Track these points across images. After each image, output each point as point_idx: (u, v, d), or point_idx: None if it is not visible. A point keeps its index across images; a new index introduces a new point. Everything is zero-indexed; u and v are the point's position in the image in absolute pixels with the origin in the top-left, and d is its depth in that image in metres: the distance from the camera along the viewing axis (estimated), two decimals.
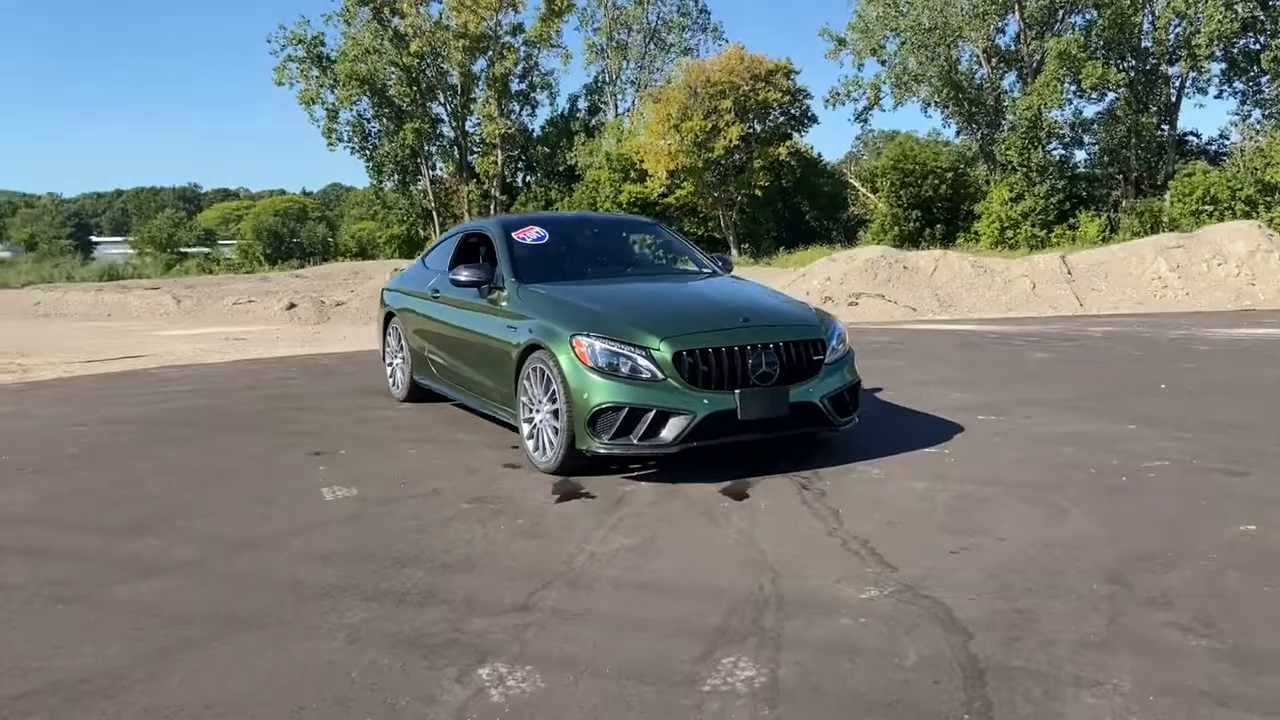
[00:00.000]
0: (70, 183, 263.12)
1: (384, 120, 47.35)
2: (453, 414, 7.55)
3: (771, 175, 41.22)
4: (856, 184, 45.94)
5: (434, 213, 47.07)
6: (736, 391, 5.43)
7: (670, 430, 5.35)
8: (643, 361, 5.38)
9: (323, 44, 46.09)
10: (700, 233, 41.65)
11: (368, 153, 48.61)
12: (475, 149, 48.15)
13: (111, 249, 71.81)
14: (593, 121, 49.16)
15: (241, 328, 15.59)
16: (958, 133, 42.45)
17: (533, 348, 5.79)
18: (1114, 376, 9.13)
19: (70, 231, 78.67)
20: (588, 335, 5.49)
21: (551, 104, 50.65)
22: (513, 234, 6.88)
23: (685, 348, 5.42)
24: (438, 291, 7.22)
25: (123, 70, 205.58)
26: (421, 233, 47.79)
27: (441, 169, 49.27)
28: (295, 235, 56.30)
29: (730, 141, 39.24)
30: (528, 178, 49.57)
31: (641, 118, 44.09)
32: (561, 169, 47.14)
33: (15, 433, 7.36)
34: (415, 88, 45.95)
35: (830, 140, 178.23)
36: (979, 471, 5.66)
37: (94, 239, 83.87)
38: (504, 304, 6.30)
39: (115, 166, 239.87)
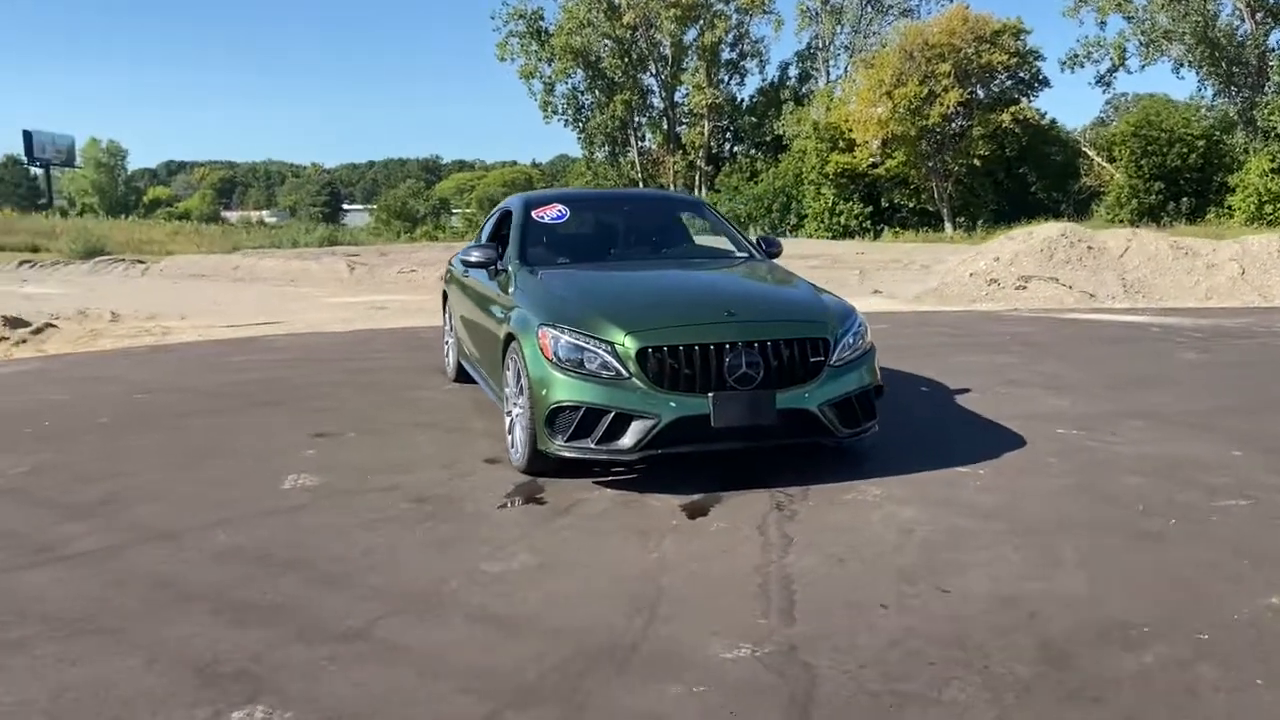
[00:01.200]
0: (331, 154, 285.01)
1: (596, 92, 48.08)
2: (484, 399, 7.30)
3: (993, 144, 38.42)
4: (1091, 153, 42.23)
5: (641, 183, 47.33)
6: (710, 394, 4.84)
7: (631, 435, 4.83)
8: (607, 357, 4.88)
9: (541, 19, 47.23)
10: (912, 205, 39.58)
11: (580, 124, 49.58)
12: (683, 120, 48.01)
13: (357, 217, 77.13)
14: (803, 90, 47.74)
15: (397, 296, 16.08)
16: (1214, 96, 38.13)
17: (510, 337, 5.41)
18: (1270, 389, 7.68)
19: (325, 199, 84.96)
20: (553, 327, 5.05)
21: (761, 72, 49.64)
22: (532, 212, 6.51)
23: (652, 344, 4.87)
24: (466, 270, 6.97)
25: (379, 46, 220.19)
26: None
27: (650, 140, 49.46)
28: None
29: (947, 108, 36.92)
30: (734, 148, 48.90)
31: (853, 85, 42.32)
32: (769, 139, 46.14)
33: (83, 397, 7.73)
34: (626, 59, 46.25)
35: (1069, 106, 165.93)
36: (996, 501, 4.81)
37: (345, 207, 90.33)
38: (507, 288, 5.95)
39: (369, 139, 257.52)
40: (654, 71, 47.50)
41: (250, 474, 5.43)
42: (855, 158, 39.45)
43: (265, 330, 11.76)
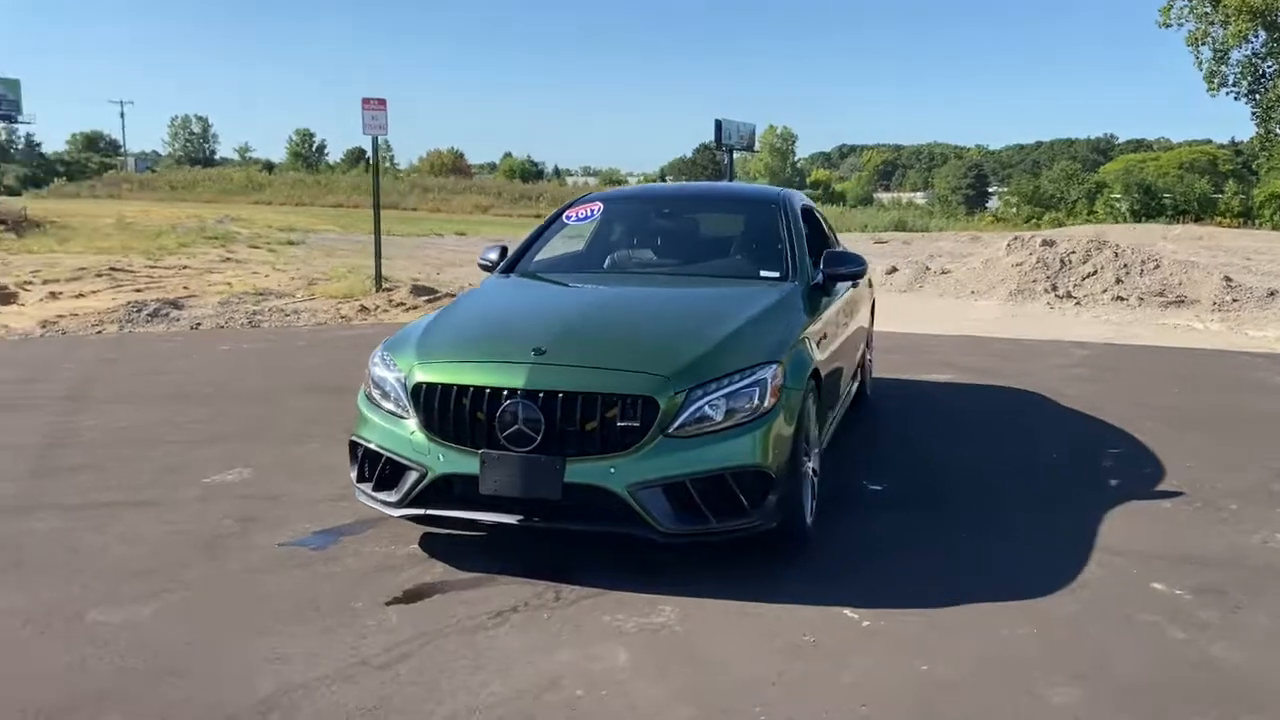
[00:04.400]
0: (997, 135, 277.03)
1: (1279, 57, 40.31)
2: None
3: None
4: None
5: None
6: (481, 452, 3.81)
7: (400, 488, 3.99)
8: (397, 389, 4.08)
9: None
10: None
11: (1256, 96, 41.98)
12: None
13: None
14: None
15: None
16: None
17: None
18: None
19: (970, 182, 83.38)
20: (383, 346, 4.37)
21: None
22: (565, 212, 5.65)
23: (428, 379, 3.95)
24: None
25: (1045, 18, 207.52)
26: None
27: None
28: (1168, 191, 50.89)
29: None
30: None
31: None
32: None
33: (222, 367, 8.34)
34: None
35: None
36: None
37: (991, 190, 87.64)
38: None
39: (1035, 118, 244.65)
40: None
41: (194, 465, 5.51)
42: None
43: None
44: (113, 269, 15.72)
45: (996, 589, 3.77)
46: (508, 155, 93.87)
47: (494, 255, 5.52)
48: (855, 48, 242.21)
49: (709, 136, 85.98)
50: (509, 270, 5.35)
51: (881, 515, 4.64)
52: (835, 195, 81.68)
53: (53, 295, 12.99)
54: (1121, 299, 13.35)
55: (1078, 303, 13.32)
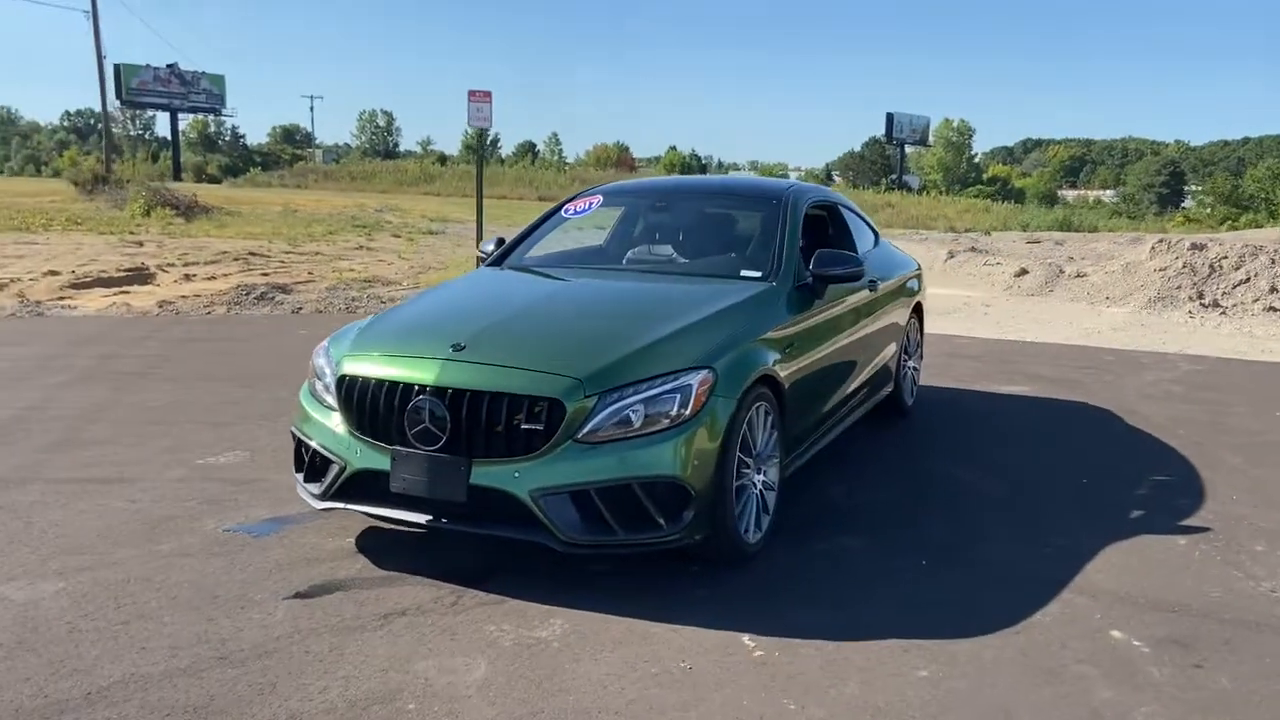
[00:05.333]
0: (1199, 130, 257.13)
1: None
2: None
3: None
4: None
5: None
6: (392, 449, 3.72)
7: (323, 481, 3.95)
8: (329, 379, 4.04)
9: None
10: None
11: None
12: None
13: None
14: None
15: (957, 291, 14.30)
16: None
17: None
18: None
19: (1164, 180, 78.03)
20: (328, 339, 4.34)
21: None
22: (565, 205, 5.47)
23: (350, 371, 3.89)
24: None
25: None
26: None
27: None
28: None
29: None
30: None
31: None
32: None
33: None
34: None
35: None
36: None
37: (1188, 188, 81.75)
38: None
39: (1242, 112, 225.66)
40: None
41: (193, 440, 5.70)
42: None
43: None
44: (251, 254, 16.59)
45: (923, 627, 3.40)
46: (671, 149, 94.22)
47: (491, 247, 5.43)
48: (1045, 35, 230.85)
49: (880, 130, 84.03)
50: (499, 262, 5.24)
51: (845, 536, 4.29)
52: (1013, 192, 78.10)
53: (187, 277, 13.78)
54: (1275, 309, 12.10)
55: (1223, 312, 12.16)
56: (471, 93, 12.54)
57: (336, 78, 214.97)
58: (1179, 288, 12.93)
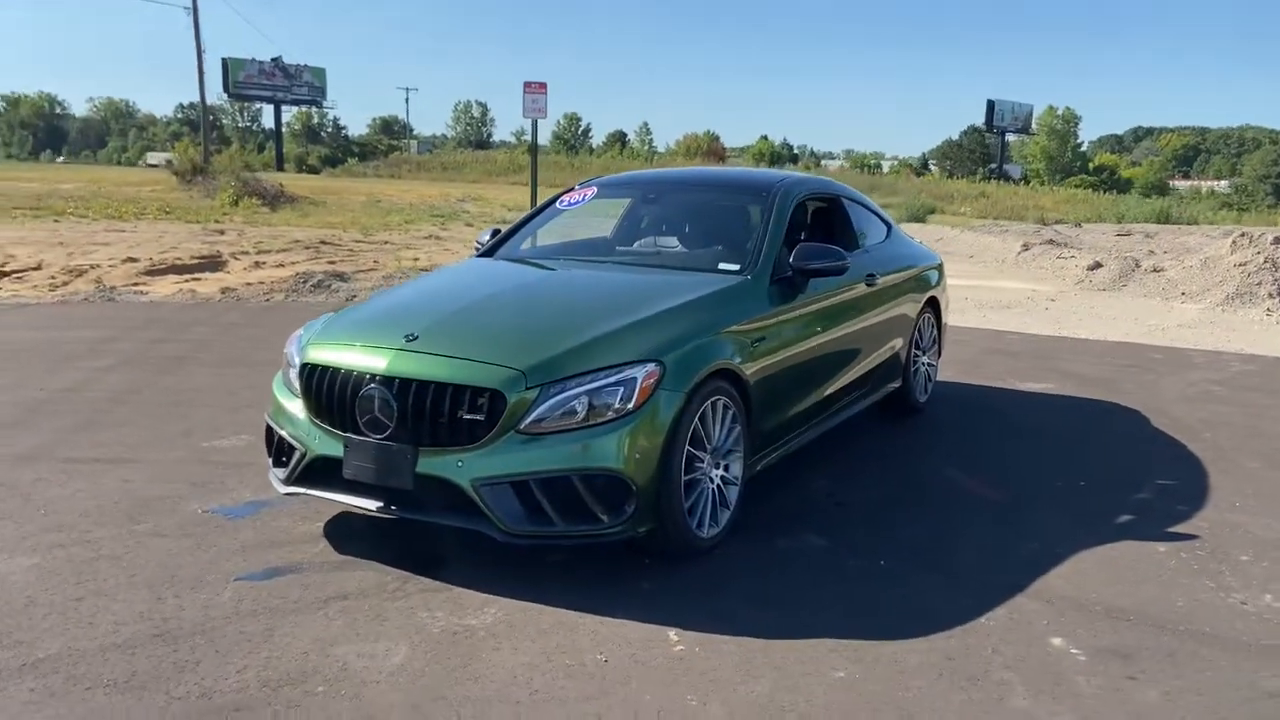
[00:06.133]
0: None
1: None
2: None
3: None
4: None
5: None
6: (345, 436, 3.81)
7: (287, 466, 4.07)
8: (297, 365, 4.16)
9: None
10: None
11: None
12: None
13: None
14: None
15: (1024, 285, 13.86)
16: None
17: None
18: None
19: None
20: (303, 327, 4.44)
21: None
22: (560, 197, 5.48)
23: (312, 359, 3.98)
24: None
25: None
26: None
27: None
28: None
29: None
30: None
31: None
32: None
33: None
34: None
35: None
36: None
37: None
38: None
39: None
40: None
41: (203, 421, 5.88)
42: None
43: None
44: (323, 242, 17.04)
45: (859, 629, 3.33)
46: (763, 138, 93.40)
47: (486, 237, 5.49)
48: (1157, 19, 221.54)
49: (981, 118, 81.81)
50: (490, 253, 5.29)
51: (812, 534, 4.21)
52: (1119, 182, 75.32)
53: (257, 264, 14.23)
54: None
55: None
56: (527, 84, 12.66)
57: (433, 70, 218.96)
58: (1259, 284, 12.32)
